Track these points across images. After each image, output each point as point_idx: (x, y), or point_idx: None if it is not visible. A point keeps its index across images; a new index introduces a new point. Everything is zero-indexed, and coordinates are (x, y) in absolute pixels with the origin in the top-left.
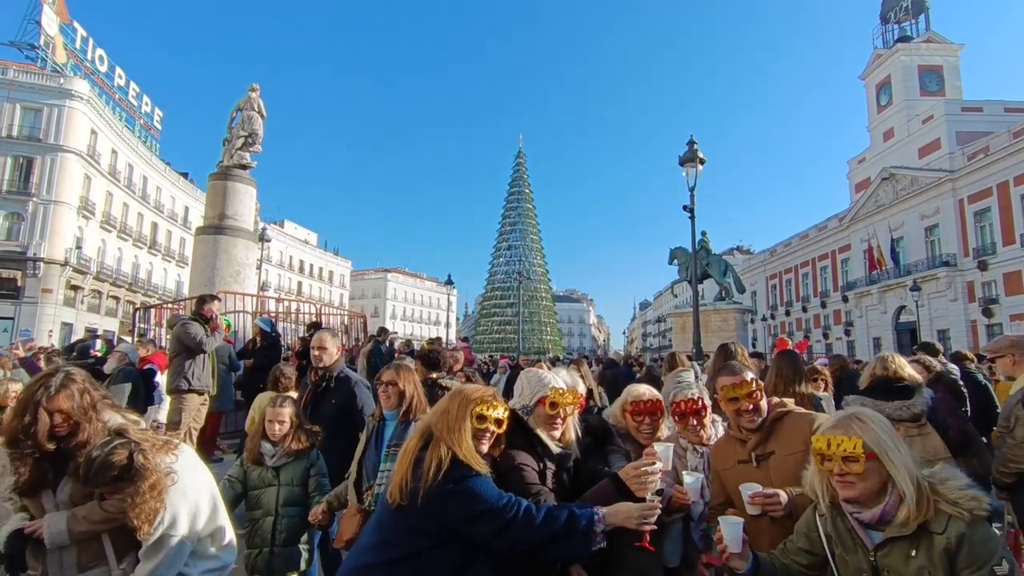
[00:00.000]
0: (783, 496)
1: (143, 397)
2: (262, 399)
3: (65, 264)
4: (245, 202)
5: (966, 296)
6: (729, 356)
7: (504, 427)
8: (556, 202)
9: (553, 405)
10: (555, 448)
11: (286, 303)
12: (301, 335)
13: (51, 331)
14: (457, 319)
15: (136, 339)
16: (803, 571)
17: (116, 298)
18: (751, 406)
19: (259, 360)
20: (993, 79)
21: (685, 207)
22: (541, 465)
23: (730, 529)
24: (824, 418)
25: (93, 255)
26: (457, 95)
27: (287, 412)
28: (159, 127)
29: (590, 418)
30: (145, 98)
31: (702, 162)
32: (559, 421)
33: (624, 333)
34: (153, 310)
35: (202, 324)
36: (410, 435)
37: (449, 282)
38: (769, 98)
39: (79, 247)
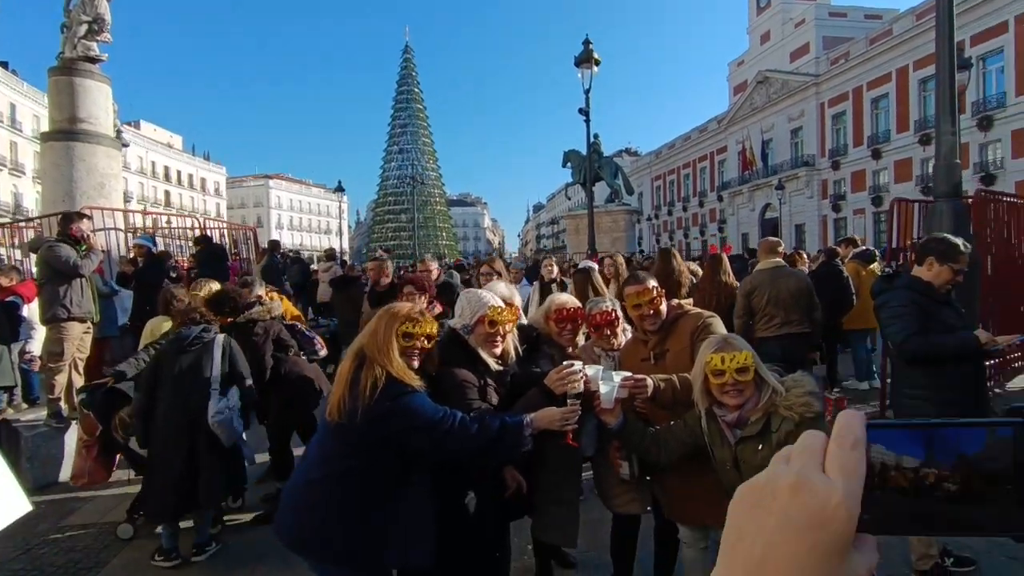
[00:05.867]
0: (649, 381)
1: (7, 330)
2: (155, 324)
3: None
4: (100, 102)
5: (820, 193)
6: (670, 258)
7: (433, 342)
8: (446, 102)
9: (492, 324)
10: (495, 366)
11: (154, 216)
12: (191, 253)
13: None
14: (349, 227)
15: None
16: (681, 449)
17: None
18: (651, 311)
19: (145, 279)
20: None
21: (580, 110)
22: (482, 382)
23: (605, 389)
24: (708, 313)
25: None
26: None
27: None
28: None
29: (522, 327)
30: None
31: (597, 63)
32: (499, 339)
33: (519, 235)
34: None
35: (72, 245)
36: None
37: (340, 189)
38: None
39: None
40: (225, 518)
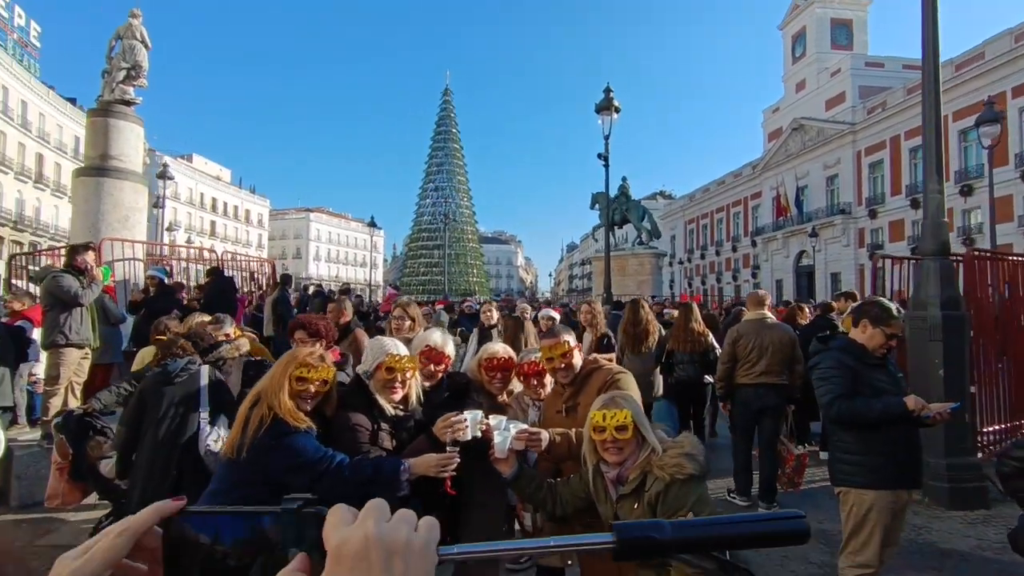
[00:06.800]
0: (544, 435)
1: (13, 352)
2: (146, 352)
3: None
4: (131, 142)
5: (857, 242)
6: (638, 309)
7: (329, 386)
8: (485, 141)
9: (390, 370)
10: (390, 411)
11: (181, 250)
12: (198, 283)
13: None
14: (385, 260)
15: (9, 292)
16: (576, 502)
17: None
18: (563, 364)
19: (155, 308)
20: (897, 35)
21: (600, 155)
22: (375, 426)
23: (499, 439)
24: (619, 369)
25: None
26: (382, 25)
27: None
28: (37, 44)
29: (456, 375)
30: (17, 9)
31: (617, 110)
32: (397, 385)
33: (550, 275)
34: (32, 257)
35: (75, 276)
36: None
37: (372, 224)
38: (697, 43)
39: None
40: None
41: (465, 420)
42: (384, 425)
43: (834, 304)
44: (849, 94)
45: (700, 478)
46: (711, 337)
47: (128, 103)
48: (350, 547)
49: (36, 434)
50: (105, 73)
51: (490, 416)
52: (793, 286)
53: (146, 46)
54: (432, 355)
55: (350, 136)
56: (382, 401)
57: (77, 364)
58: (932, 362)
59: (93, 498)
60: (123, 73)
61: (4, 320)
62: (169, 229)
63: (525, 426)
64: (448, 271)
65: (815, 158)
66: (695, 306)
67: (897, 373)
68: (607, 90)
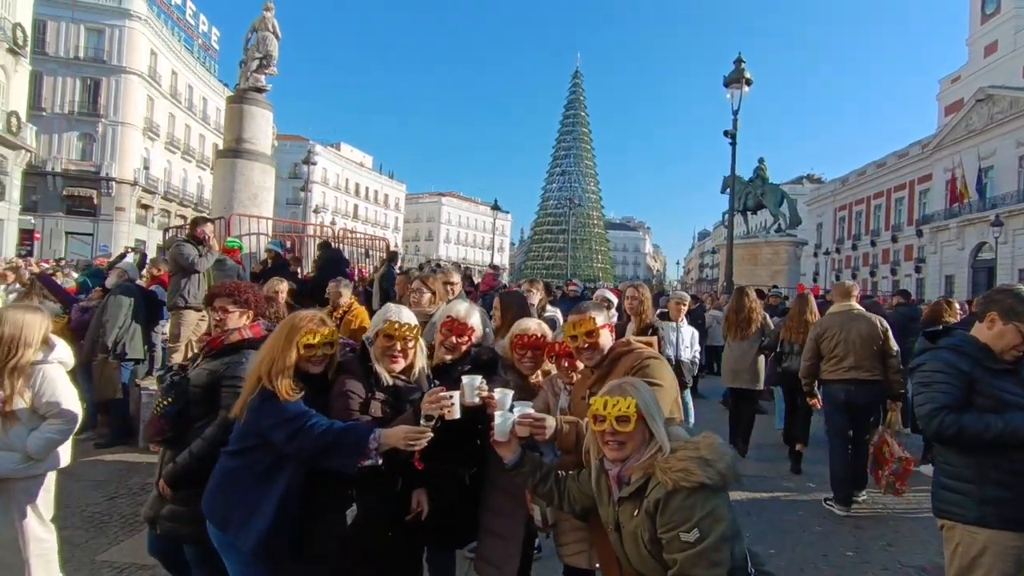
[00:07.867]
0: (550, 422)
1: (145, 312)
2: None
3: (135, 184)
4: (261, 126)
5: None
6: (743, 296)
7: (335, 347)
8: (617, 125)
9: (388, 337)
10: (388, 380)
11: (309, 228)
12: (314, 258)
13: (126, 247)
14: (512, 244)
15: (150, 259)
16: (583, 499)
17: (184, 217)
18: (587, 344)
19: (268, 280)
20: None
21: (726, 132)
22: (369, 394)
23: (499, 420)
24: (651, 353)
25: (160, 175)
26: (514, 11)
27: None
28: (216, 47)
29: (482, 350)
30: (202, 17)
31: (748, 83)
32: (397, 353)
33: (678, 263)
34: (182, 230)
35: (195, 245)
36: None
37: (496, 207)
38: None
39: (147, 168)
40: None
41: (451, 397)
42: (379, 394)
43: None
44: None
45: (715, 490)
46: None
47: (260, 90)
48: None
49: None
50: (241, 63)
51: (495, 390)
52: (968, 283)
53: (277, 36)
54: (454, 327)
55: (484, 121)
56: (380, 369)
57: (195, 325)
58: None
59: None
60: (256, 63)
61: (141, 283)
62: (316, 211)
63: (531, 409)
64: (572, 256)
65: (1005, 134)
66: (811, 297)
67: None
68: (738, 60)
